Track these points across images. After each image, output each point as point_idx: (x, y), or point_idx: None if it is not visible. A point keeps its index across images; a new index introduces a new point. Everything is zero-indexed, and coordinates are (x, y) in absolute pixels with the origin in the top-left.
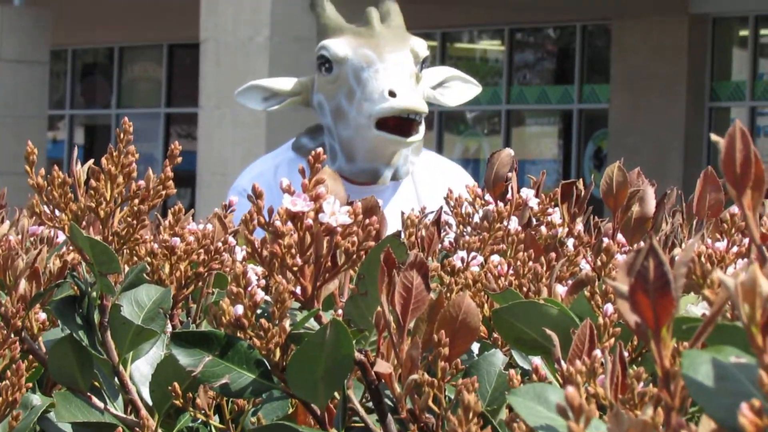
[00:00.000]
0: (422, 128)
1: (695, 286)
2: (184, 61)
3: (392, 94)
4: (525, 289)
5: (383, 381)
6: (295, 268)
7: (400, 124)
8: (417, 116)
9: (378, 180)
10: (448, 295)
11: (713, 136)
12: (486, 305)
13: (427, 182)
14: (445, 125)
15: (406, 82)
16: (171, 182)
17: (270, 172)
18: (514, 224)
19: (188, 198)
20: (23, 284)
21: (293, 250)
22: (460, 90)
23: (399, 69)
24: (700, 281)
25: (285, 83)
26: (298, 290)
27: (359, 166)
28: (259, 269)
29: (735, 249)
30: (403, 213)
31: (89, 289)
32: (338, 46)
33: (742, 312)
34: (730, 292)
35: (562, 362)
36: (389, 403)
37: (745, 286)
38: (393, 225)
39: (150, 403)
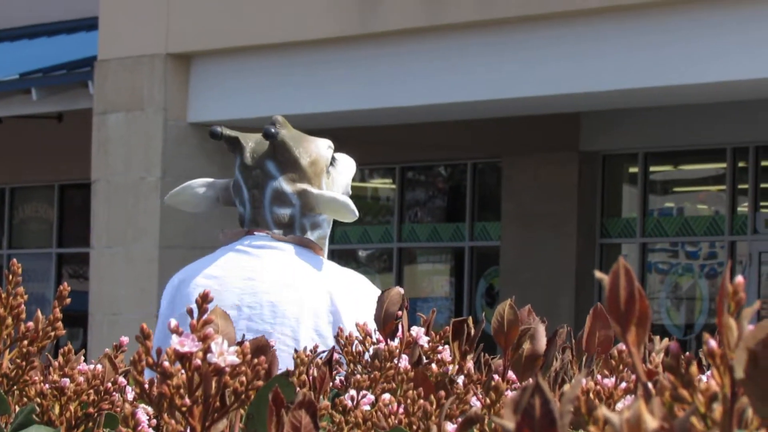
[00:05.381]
0: None
1: (582, 422)
2: (76, 202)
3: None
4: (415, 427)
5: None
6: (184, 409)
7: None
8: None
9: None
10: None
11: (598, 274)
12: None
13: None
14: (337, 263)
15: None
16: (60, 323)
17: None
18: (404, 362)
19: (80, 338)
20: None
21: (182, 391)
22: None
23: None
24: (586, 418)
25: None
26: (188, 431)
27: None
28: (150, 409)
29: (623, 385)
30: (296, 350)
31: None
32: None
33: None
34: (616, 429)
35: None
36: None
37: (630, 422)
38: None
39: None
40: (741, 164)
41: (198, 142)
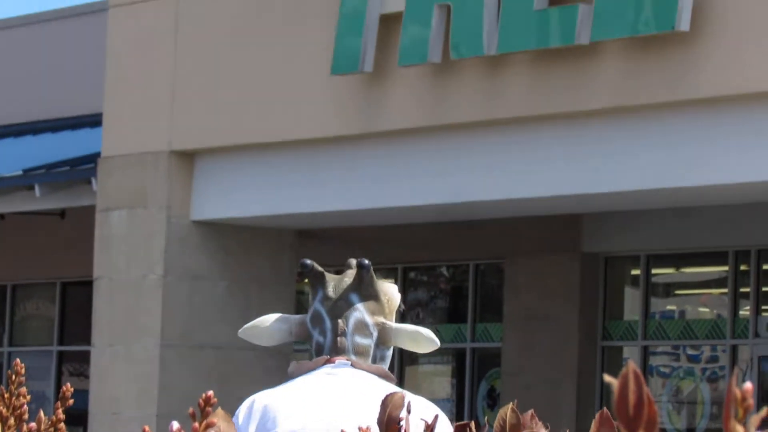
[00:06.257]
0: None
1: None
2: (77, 299)
3: None
4: None
5: None
6: None
7: None
8: None
9: None
10: None
11: (606, 377)
12: None
13: None
14: None
15: None
16: (62, 425)
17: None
18: None
19: None
20: None
21: None
22: None
23: None
24: None
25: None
26: None
27: None
28: None
29: None
30: None
31: None
32: None
33: None
34: None
35: None
36: None
37: None
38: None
39: None
40: (743, 267)
41: (200, 241)
